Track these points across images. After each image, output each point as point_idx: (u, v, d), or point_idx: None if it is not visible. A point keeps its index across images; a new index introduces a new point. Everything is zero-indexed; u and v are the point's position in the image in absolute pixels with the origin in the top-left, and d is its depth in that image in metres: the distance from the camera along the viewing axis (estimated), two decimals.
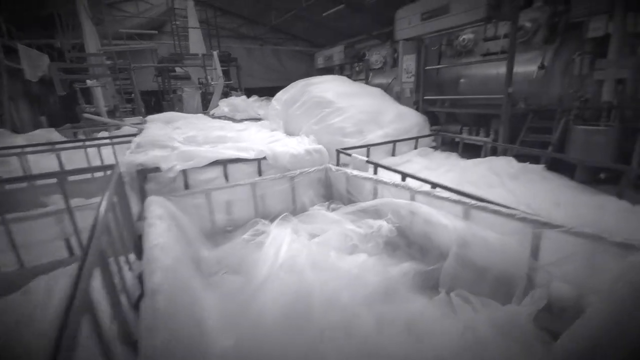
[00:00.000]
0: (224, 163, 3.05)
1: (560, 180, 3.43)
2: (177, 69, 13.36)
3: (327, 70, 14.79)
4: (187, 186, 2.89)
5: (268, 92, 9.50)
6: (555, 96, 6.59)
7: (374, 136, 4.35)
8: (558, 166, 5.67)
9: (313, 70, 18.80)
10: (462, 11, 6.06)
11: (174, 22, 12.12)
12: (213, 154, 2.99)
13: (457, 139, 8.51)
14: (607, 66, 5.05)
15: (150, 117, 6.42)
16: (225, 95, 11.17)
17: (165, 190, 2.77)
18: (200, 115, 7.19)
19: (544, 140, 6.43)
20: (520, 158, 3.81)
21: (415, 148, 4.81)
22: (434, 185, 2.46)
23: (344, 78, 5.68)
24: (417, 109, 9.11)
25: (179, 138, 3.47)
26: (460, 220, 2.05)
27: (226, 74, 12.19)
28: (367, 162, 3.30)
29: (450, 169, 3.75)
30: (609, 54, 5.15)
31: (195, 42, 12.38)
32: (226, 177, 3.06)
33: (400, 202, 2.40)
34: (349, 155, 3.56)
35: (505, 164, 3.68)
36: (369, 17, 13.11)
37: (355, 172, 3.06)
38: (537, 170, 3.59)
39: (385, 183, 2.67)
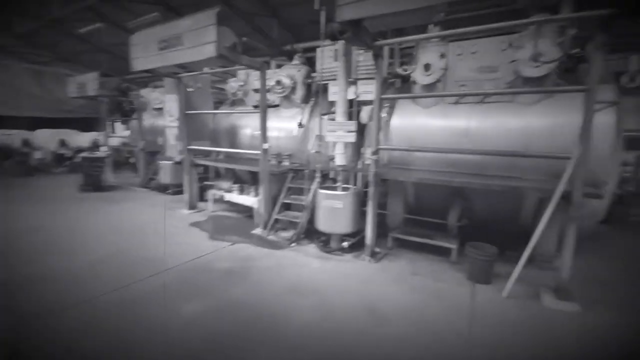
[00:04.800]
0: None
1: None
2: None
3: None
4: None
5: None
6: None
7: None
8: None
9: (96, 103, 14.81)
10: (194, 45, 4.90)
11: None
12: None
13: (225, 199, 7.11)
14: (337, 128, 4.75)
15: None
16: None
17: None
18: None
19: (301, 203, 5.75)
20: None
21: None
22: None
23: None
24: (182, 160, 7.40)
25: None
26: None
27: None
28: None
29: None
30: (335, 116, 4.91)
31: None
32: None
33: None
34: None
35: None
36: None
37: None
38: None
39: None
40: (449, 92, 5.05)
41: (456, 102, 5.14)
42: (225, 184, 7.03)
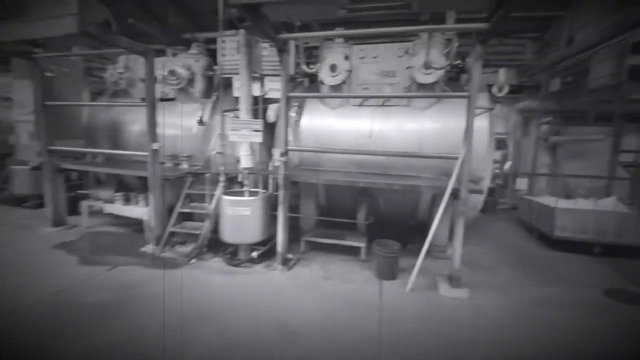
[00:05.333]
0: None
1: None
2: None
3: None
4: None
5: None
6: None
7: None
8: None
9: None
10: (47, 17, 3.78)
11: None
12: None
13: (106, 211, 5.84)
14: (241, 127, 4.29)
15: None
16: None
17: None
18: None
19: (202, 212, 5.06)
20: None
21: None
22: None
23: None
24: (42, 165, 5.81)
25: None
26: None
27: None
28: None
29: None
30: (240, 112, 4.45)
31: None
32: None
33: None
34: None
35: None
36: None
37: None
38: None
39: None
40: (353, 94, 5.13)
41: (361, 105, 5.26)
42: (106, 193, 5.78)
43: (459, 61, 4.68)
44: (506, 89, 4.30)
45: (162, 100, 6.28)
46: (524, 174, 8.07)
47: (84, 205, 5.83)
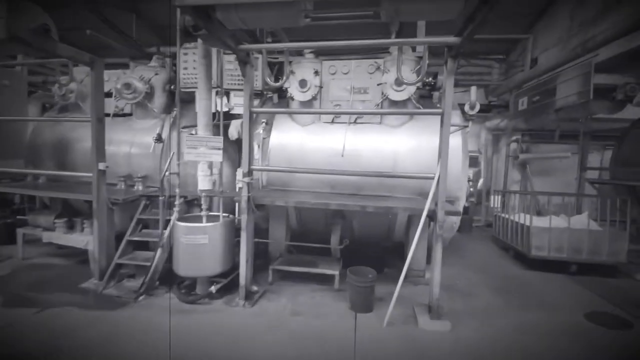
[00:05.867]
0: None
1: None
2: None
3: None
4: None
5: None
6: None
7: None
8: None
9: None
10: None
11: None
12: None
13: (45, 239, 4.95)
14: (198, 144, 3.86)
15: None
16: None
17: None
18: None
19: (157, 239, 4.51)
20: None
21: None
22: None
23: None
24: None
25: None
26: None
27: None
28: None
29: None
30: (198, 128, 4.04)
31: None
32: None
33: None
34: None
35: None
36: None
37: None
38: None
39: None
40: (323, 110, 4.90)
41: (332, 122, 5.01)
42: (45, 219, 5.06)
43: (431, 78, 4.59)
44: (478, 107, 4.20)
45: (117, 115, 5.76)
46: (497, 191, 8.10)
47: (20, 233, 5.08)
